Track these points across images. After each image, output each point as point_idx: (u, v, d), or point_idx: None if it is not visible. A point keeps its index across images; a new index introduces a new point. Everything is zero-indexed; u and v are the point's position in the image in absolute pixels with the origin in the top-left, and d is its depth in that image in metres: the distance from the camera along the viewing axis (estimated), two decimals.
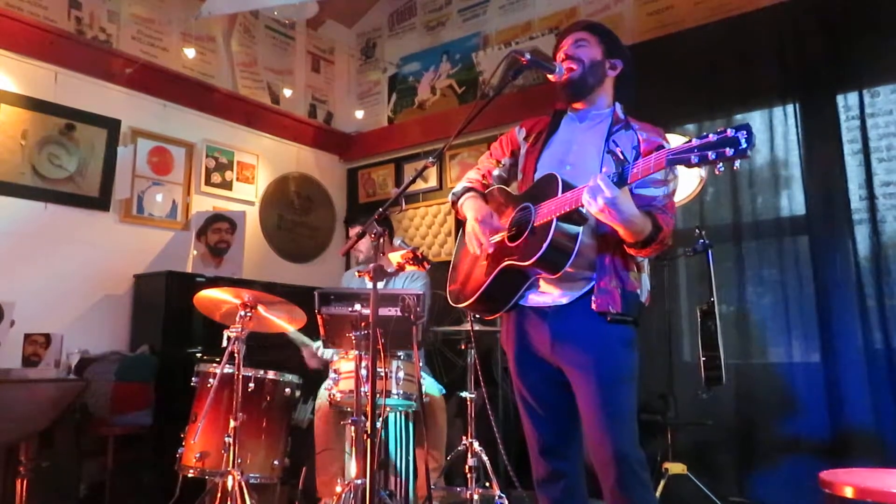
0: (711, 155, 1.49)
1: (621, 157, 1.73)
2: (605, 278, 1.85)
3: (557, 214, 1.77)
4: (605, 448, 1.78)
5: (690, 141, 1.55)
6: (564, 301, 1.90)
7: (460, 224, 2.24)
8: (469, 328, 3.04)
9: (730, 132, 1.48)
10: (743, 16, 3.64)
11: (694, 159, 1.53)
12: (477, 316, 3.04)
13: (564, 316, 1.89)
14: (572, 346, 1.86)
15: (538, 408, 1.98)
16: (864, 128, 3.28)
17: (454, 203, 2.19)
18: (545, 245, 1.76)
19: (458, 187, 2.20)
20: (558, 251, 1.78)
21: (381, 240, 2.15)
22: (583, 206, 1.70)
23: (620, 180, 1.65)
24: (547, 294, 1.93)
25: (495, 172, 2.18)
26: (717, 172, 1.52)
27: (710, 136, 1.51)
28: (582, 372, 1.84)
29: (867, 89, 3.30)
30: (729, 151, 1.47)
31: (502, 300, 2.00)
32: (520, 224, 1.93)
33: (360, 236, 2.21)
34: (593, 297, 1.85)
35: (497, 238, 1.98)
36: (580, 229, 1.80)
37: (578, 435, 1.98)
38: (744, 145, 1.46)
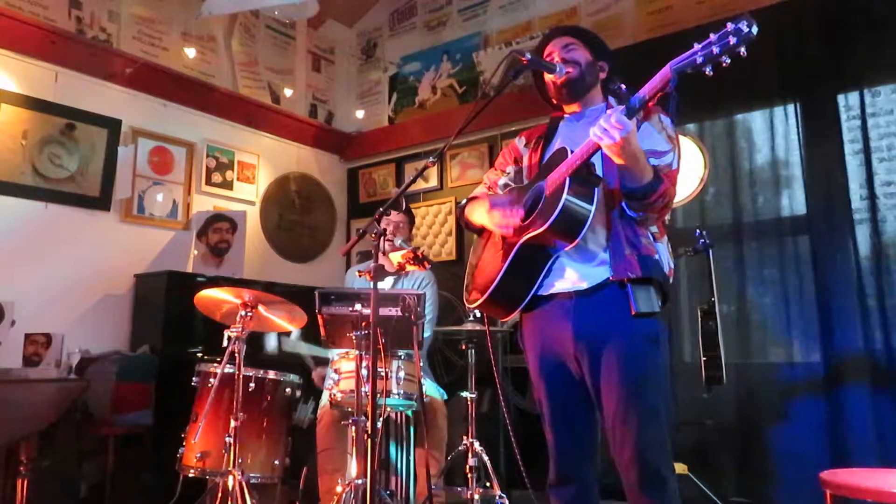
0: (716, 49, 1.50)
1: (624, 93, 1.73)
2: (619, 247, 1.82)
3: (570, 172, 1.77)
4: (627, 447, 1.77)
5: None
6: (584, 286, 1.86)
7: (460, 222, 2.24)
8: (468, 328, 3.05)
9: (730, 26, 1.49)
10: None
11: (699, 59, 1.54)
12: (478, 315, 3.04)
13: (587, 310, 1.85)
14: (596, 345, 1.83)
15: (556, 413, 1.96)
16: (864, 127, 3.27)
17: (460, 216, 2.20)
18: (560, 205, 1.74)
19: (464, 202, 2.21)
20: (574, 211, 1.75)
21: (382, 239, 2.15)
22: (599, 147, 1.68)
23: (629, 110, 1.64)
24: (565, 279, 1.90)
25: (501, 182, 2.18)
26: (723, 65, 1.51)
27: (711, 35, 1.52)
28: (606, 371, 1.81)
29: (868, 89, 3.30)
30: (733, 40, 1.48)
31: (520, 291, 1.94)
32: (533, 203, 1.92)
33: (361, 236, 2.21)
34: (610, 268, 1.82)
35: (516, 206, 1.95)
36: (596, 187, 1.78)
37: (594, 441, 1.96)
38: (746, 30, 1.47)
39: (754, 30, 1.47)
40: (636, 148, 1.69)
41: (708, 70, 1.53)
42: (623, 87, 1.72)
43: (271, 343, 3.94)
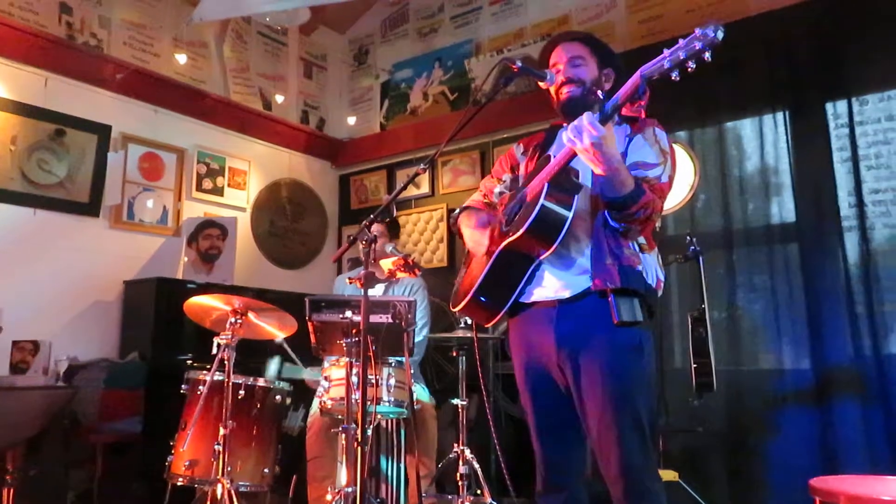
0: (682, 54, 1.55)
1: (600, 97, 1.74)
2: (601, 256, 1.81)
3: (548, 178, 1.77)
4: (612, 461, 1.76)
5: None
6: (567, 294, 1.86)
7: (453, 231, 2.25)
8: (460, 335, 3.04)
9: (697, 31, 1.54)
10: (733, 24, 3.63)
11: (667, 64, 1.58)
12: (469, 322, 3.04)
13: (570, 317, 1.85)
14: (578, 353, 1.82)
15: (541, 421, 1.96)
16: (853, 135, 3.30)
17: (453, 225, 2.21)
18: (536, 210, 1.74)
19: (458, 210, 2.22)
20: (551, 217, 1.75)
21: (373, 246, 2.14)
22: (575, 153, 1.69)
23: (603, 116, 1.65)
24: (547, 287, 1.89)
25: (497, 189, 2.18)
26: (689, 70, 1.56)
27: (680, 41, 1.56)
28: (588, 382, 1.80)
29: (856, 97, 3.33)
30: (698, 45, 1.53)
31: (502, 296, 1.94)
32: (517, 209, 1.93)
33: (352, 242, 2.20)
34: (591, 277, 1.81)
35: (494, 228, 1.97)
36: (576, 194, 1.78)
37: (581, 448, 1.95)
38: (711, 35, 1.52)
39: (720, 35, 1.51)
40: (612, 156, 1.68)
41: (675, 75, 1.58)
42: (600, 93, 1.75)
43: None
